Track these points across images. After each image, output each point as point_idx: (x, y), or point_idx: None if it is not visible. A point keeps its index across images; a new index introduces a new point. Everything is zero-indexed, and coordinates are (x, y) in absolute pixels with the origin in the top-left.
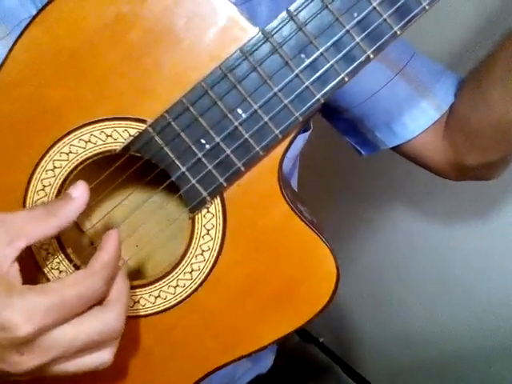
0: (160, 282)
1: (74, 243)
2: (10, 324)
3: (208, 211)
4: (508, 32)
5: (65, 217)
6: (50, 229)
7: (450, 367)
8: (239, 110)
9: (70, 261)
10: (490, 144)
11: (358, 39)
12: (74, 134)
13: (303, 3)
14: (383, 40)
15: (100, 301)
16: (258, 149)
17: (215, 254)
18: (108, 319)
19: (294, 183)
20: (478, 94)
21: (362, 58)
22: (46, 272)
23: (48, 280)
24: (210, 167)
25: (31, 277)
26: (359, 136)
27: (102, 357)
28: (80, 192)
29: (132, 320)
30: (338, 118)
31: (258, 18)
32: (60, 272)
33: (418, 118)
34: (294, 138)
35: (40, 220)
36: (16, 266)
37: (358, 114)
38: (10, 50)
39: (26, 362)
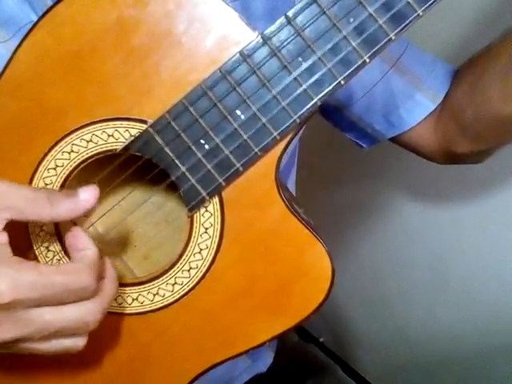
0: (158, 280)
1: None
2: None
3: (206, 210)
4: (510, 28)
5: (61, 212)
6: (42, 216)
7: (449, 367)
8: (238, 112)
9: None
10: (482, 135)
11: (354, 44)
12: (75, 133)
13: (301, 8)
14: (379, 45)
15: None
16: (256, 150)
17: (213, 253)
18: (87, 312)
19: (292, 181)
20: (477, 87)
21: (359, 63)
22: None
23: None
24: (209, 167)
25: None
26: (359, 131)
27: (76, 343)
28: (88, 196)
29: (130, 317)
30: (337, 116)
31: (253, 14)
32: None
33: (413, 110)
34: (292, 139)
35: (37, 204)
36: (4, 237)
37: (356, 110)
38: (15, 51)
39: (1, 332)
